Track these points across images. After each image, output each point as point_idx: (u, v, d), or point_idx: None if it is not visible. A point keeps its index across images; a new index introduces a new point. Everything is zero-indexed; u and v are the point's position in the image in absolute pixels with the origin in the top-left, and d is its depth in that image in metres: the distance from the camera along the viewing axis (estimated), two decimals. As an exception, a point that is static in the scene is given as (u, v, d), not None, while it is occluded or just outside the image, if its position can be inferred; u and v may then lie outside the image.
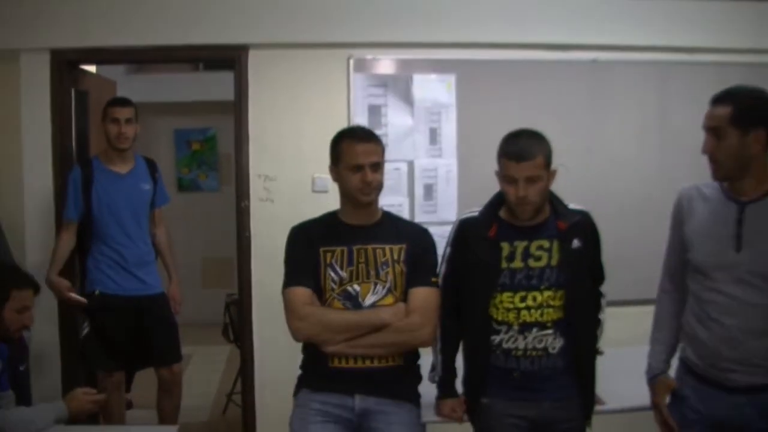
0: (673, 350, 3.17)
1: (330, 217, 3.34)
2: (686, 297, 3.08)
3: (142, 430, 4.90)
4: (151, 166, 5.03)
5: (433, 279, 3.22)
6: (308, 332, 3.16)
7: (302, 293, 3.16)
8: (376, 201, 3.25)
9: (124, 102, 4.83)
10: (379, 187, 3.22)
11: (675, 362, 3.18)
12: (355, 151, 3.16)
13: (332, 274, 3.19)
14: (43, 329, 4.77)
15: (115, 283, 4.73)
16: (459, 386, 3.30)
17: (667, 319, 3.17)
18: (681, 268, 3.08)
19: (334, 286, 3.19)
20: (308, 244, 3.24)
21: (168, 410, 4.96)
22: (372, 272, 3.19)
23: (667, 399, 3.11)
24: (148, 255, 4.91)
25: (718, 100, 2.84)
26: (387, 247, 3.22)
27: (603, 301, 3.26)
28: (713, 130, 2.83)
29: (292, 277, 3.21)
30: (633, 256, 4.51)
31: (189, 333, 5.34)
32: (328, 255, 3.21)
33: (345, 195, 3.25)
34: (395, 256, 3.22)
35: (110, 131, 4.72)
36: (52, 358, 4.97)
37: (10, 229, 4.70)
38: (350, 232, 3.24)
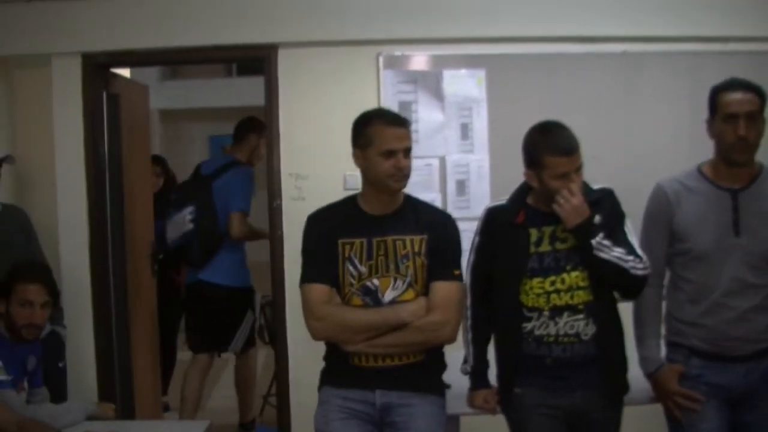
0: (660, 341, 3.26)
1: (349, 204, 3.23)
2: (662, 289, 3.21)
3: (172, 425, 4.89)
4: None
5: (456, 272, 3.13)
6: (326, 333, 3.11)
7: (320, 291, 3.08)
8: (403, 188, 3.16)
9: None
10: (409, 174, 3.11)
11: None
12: (388, 136, 3.04)
13: (351, 268, 3.10)
14: (77, 327, 4.81)
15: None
16: (492, 378, 3.25)
17: (655, 312, 3.25)
18: (664, 260, 3.20)
19: (353, 281, 3.10)
20: (327, 235, 3.14)
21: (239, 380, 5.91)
22: (392, 266, 3.09)
23: None
24: None
25: (747, 88, 3.03)
26: (408, 239, 3.11)
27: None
28: (750, 114, 2.98)
29: (310, 272, 3.13)
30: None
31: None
32: (347, 248, 3.11)
33: (372, 181, 3.12)
34: (416, 249, 3.11)
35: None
36: (88, 356, 4.96)
37: (44, 234, 4.72)
38: (370, 221, 3.14)
